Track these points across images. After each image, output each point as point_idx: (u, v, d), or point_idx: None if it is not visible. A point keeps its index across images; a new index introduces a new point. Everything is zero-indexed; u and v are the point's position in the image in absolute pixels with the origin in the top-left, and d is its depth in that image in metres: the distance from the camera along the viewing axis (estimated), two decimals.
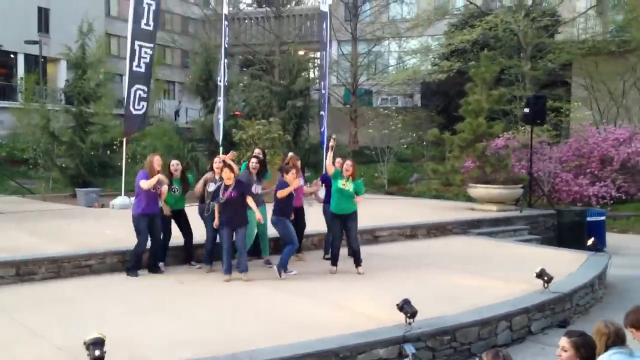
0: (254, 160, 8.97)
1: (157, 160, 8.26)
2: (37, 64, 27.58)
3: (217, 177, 8.46)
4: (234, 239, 8.09)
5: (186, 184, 8.85)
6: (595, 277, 8.52)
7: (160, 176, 8.17)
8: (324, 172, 10.14)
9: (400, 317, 5.88)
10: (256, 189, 8.68)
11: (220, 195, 7.96)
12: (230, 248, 8.07)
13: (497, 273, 8.67)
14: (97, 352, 4.45)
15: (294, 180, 8.36)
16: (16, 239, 9.58)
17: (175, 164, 8.80)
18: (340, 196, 8.43)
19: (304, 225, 9.53)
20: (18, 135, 20.56)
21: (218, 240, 8.37)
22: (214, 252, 8.49)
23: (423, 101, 31.94)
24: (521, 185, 14.59)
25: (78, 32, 16.60)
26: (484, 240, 11.74)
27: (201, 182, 8.73)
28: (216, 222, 8.07)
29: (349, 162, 8.53)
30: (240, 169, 9.05)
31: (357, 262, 8.59)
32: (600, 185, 16.45)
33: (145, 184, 8.08)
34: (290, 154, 10.05)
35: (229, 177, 7.98)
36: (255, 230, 8.92)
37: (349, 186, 8.39)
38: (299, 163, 9.30)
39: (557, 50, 22.17)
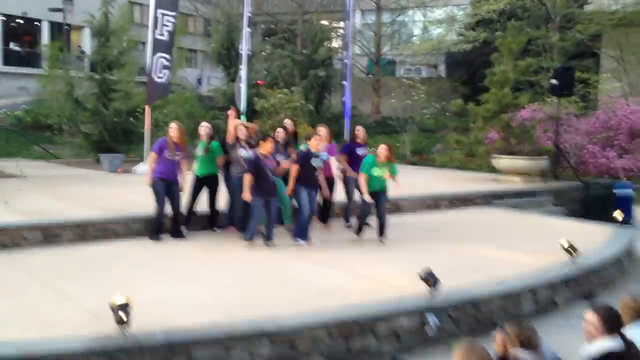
0: (280, 130, 8.98)
1: (172, 130, 8.35)
2: (61, 32, 27.61)
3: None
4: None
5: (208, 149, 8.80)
6: (622, 250, 8.41)
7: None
8: (346, 142, 9.96)
9: (423, 287, 5.85)
10: (279, 158, 8.64)
11: (266, 162, 7.94)
12: (260, 217, 8.08)
13: (521, 245, 8.58)
14: (122, 315, 4.53)
15: (316, 146, 8.33)
16: (42, 202, 9.70)
17: (205, 126, 8.87)
18: (374, 179, 8.38)
19: (331, 196, 9.38)
20: (42, 101, 20.74)
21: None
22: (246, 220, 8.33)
23: (447, 71, 31.43)
24: (546, 157, 14.36)
25: (101, 0, 16.55)
26: (508, 212, 11.60)
27: (232, 125, 8.65)
28: (248, 196, 7.90)
29: (383, 146, 8.38)
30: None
31: (382, 233, 8.57)
32: (628, 157, 16.10)
33: (148, 161, 8.41)
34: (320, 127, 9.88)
35: (269, 149, 8.02)
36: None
37: (385, 172, 8.35)
38: (323, 130, 9.13)
39: (586, 20, 21.54)
